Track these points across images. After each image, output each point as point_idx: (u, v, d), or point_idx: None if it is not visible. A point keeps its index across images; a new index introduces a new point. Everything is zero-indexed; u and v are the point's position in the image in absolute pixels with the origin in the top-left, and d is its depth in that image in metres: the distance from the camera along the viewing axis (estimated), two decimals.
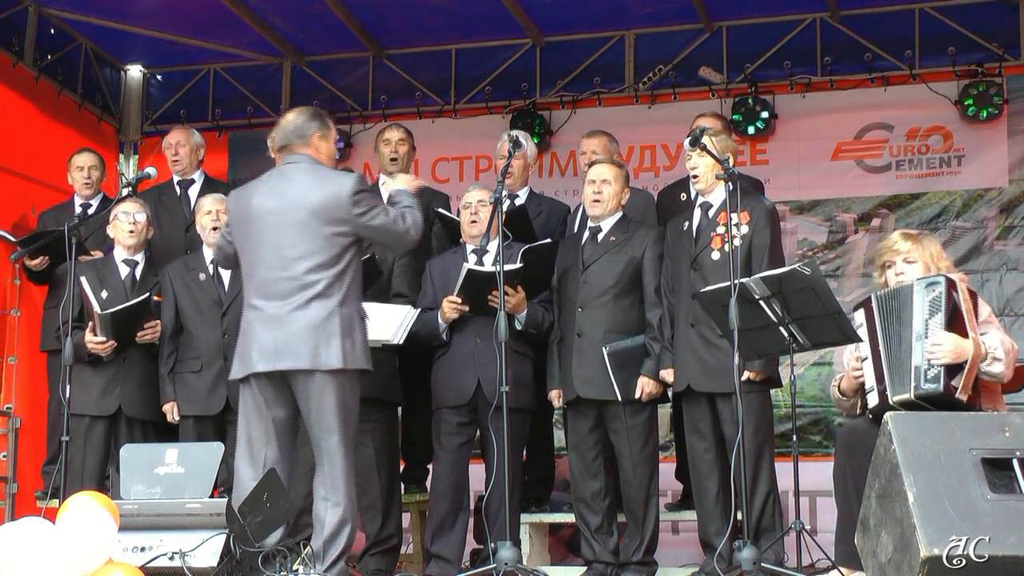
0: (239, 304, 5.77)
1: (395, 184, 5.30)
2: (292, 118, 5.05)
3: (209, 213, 6.10)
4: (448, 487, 5.78)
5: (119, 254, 6.26)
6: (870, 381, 4.78)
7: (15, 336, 7.56)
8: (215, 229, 5.92)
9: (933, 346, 4.60)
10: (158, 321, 6.08)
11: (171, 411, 6.07)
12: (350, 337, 4.82)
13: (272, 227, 4.87)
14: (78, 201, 7.07)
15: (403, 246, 5.22)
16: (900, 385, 4.66)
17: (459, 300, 5.69)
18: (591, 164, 6.05)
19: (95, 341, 5.93)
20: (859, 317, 4.88)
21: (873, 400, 4.75)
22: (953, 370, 4.58)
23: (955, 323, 4.62)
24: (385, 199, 5.43)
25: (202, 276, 6.11)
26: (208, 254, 6.07)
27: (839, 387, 5.06)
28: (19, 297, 7.58)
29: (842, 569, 4.71)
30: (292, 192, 4.88)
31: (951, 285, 4.67)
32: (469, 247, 5.87)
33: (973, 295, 4.77)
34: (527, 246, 5.72)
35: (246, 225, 4.97)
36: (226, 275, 6.03)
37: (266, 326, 4.82)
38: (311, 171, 4.94)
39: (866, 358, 4.81)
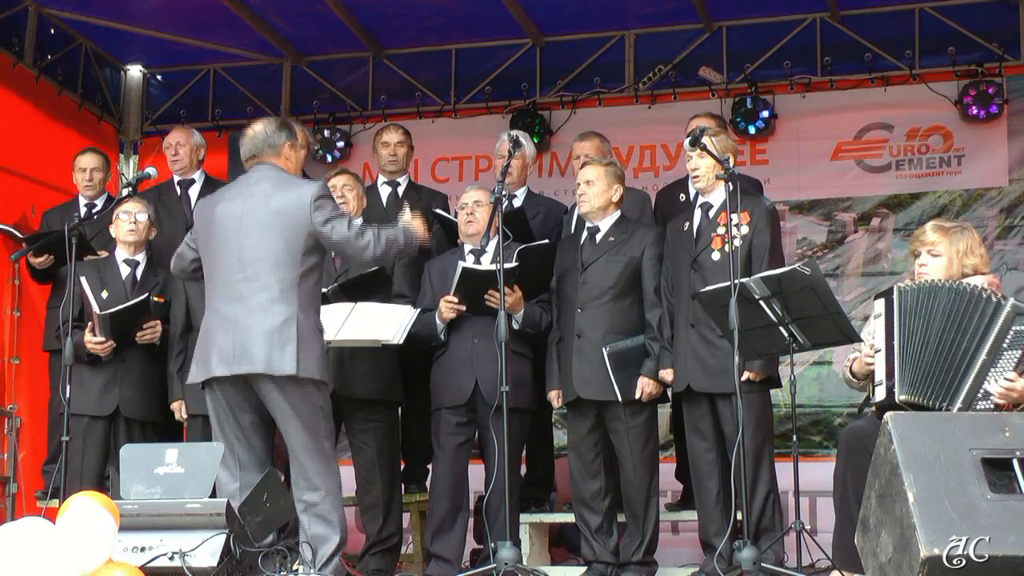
0: None
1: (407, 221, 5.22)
2: (260, 128, 5.03)
3: None
4: (448, 487, 5.78)
5: (120, 254, 6.27)
6: (880, 374, 4.69)
7: (15, 336, 7.56)
8: None
9: (1004, 389, 4.46)
10: (158, 321, 6.08)
11: (179, 409, 6.09)
12: (306, 347, 4.81)
13: (232, 231, 4.88)
14: (82, 201, 7.06)
15: (358, 260, 5.16)
16: (910, 386, 4.57)
17: (456, 299, 5.69)
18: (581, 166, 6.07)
19: (94, 341, 5.94)
20: (878, 307, 4.76)
21: (881, 394, 4.67)
22: (999, 407, 4.51)
23: None
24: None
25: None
26: None
27: (851, 368, 5.01)
28: (19, 297, 7.58)
29: (843, 572, 4.69)
30: (255, 197, 4.89)
31: None
32: (467, 247, 5.87)
33: None
34: (523, 246, 5.73)
35: (208, 230, 4.98)
36: None
37: (224, 329, 4.84)
38: (276, 178, 4.95)
39: (880, 350, 4.71)
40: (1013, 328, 4.50)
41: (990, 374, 4.51)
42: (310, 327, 4.86)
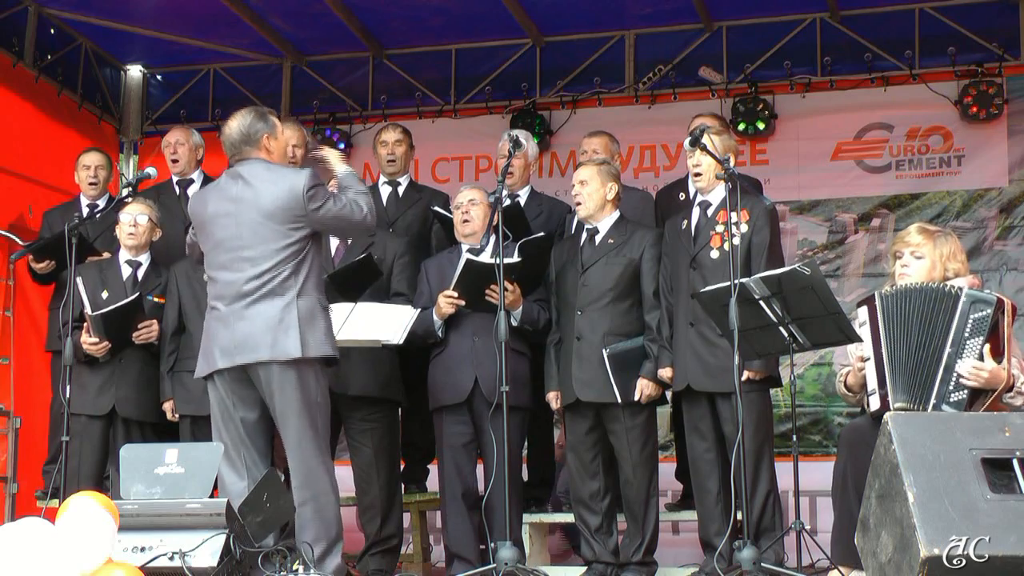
0: None
1: (336, 166, 5.16)
2: (236, 125, 4.96)
3: None
4: (459, 489, 5.78)
5: (123, 255, 6.28)
6: (872, 383, 4.73)
7: (10, 336, 7.54)
8: None
9: (974, 369, 4.50)
10: (154, 321, 6.08)
11: (171, 409, 6.08)
12: (310, 327, 4.83)
13: (228, 231, 4.89)
14: (84, 201, 7.04)
15: (360, 233, 5.20)
16: (903, 392, 4.60)
17: (455, 294, 5.67)
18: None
19: (89, 342, 5.94)
20: (862, 315, 4.81)
21: (875, 403, 4.70)
22: (975, 395, 4.54)
23: (992, 348, 4.54)
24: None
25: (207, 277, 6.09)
26: None
27: (845, 382, 5.01)
28: (13, 297, 7.57)
29: (840, 568, 4.70)
30: (246, 195, 4.88)
31: (999, 307, 4.56)
32: (464, 246, 5.87)
33: (1014, 316, 4.64)
34: (523, 239, 5.72)
35: (205, 231, 4.99)
36: None
37: (225, 324, 4.86)
38: (264, 171, 4.91)
39: (868, 359, 4.76)
40: (971, 316, 4.57)
41: (957, 365, 4.55)
42: (310, 308, 4.86)
